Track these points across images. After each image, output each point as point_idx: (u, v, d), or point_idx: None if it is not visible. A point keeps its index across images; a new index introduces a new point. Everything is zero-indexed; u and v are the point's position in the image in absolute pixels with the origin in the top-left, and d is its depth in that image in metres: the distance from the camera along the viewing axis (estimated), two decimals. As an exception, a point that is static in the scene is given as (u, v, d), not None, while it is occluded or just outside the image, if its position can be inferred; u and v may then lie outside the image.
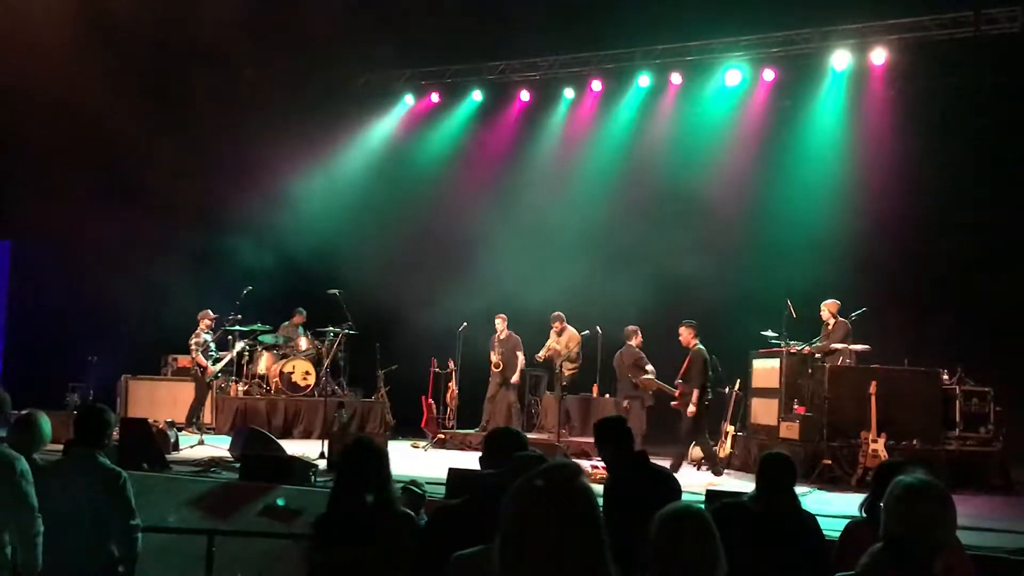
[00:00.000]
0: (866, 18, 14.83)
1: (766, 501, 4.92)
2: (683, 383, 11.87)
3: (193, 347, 14.48)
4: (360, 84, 18.30)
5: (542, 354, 14.62)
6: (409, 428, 14.96)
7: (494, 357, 14.69)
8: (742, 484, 10.43)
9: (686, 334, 11.98)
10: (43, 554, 5.09)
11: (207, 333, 14.60)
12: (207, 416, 14.94)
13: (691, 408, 11.56)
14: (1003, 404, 11.98)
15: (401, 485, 4.83)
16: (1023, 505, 10.40)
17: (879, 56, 14.89)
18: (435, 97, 18.40)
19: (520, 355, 14.68)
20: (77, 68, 13.96)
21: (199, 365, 14.41)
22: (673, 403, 12.05)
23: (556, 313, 14.53)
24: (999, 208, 13.92)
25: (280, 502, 8.89)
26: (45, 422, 5.77)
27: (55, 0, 13.99)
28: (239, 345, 14.90)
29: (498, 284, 15.37)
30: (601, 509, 2.42)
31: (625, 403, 13.09)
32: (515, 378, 14.55)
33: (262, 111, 16.57)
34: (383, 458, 4.30)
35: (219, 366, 14.60)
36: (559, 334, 14.43)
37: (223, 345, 14.89)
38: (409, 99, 18.58)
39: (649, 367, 13.06)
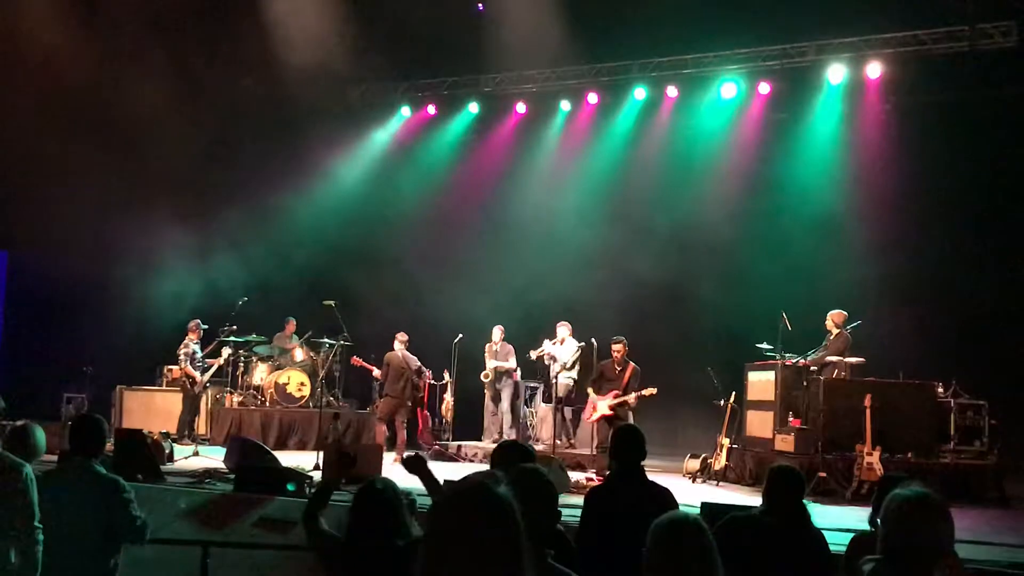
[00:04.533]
0: (861, 32, 14.89)
1: (775, 514, 4.92)
2: (622, 393, 12.85)
3: (182, 357, 14.48)
4: (357, 95, 18.32)
5: (535, 354, 14.62)
6: (405, 440, 14.93)
7: (488, 367, 14.79)
8: (737, 497, 10.44)
9: (623, 350, 12.96)
10: (44, 564, 5.09)
11: (195, 344, 14.60)
12: (201, 427, 14.94)
13: (608, 411, 12.84)
14: (998, 417, 11.98)
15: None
16: (1018, 518, 10.38)
17: (874, 70, 14.96)
18: (431, 109, 18.44)
19: (512, 359, 14.74)
20: (71, 76, 13.99)
21: (187, 376, 14.42)
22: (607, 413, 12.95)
23: (562, 322, 14.50)
24: (995, 221, 13.97)
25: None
26: (40, 434, 5.76)
27: (49, 8, 14.04)
28: (225, 352, 14.89)
29: (494, 296, 15.39)
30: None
31: (409, 404, 14.05)
32: (510, 365, 14.81)
33: (258, 121, 16.60)
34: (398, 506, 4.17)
35: (207, 376, 14.59)
36: (561, 343, 14.38)
37: (216, 355, 14.89)
38: (405, 111, 18.62)
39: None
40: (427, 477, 4.99)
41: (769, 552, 4.38)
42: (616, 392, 12.93)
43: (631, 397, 12.79)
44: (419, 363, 14.07)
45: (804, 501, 5.04)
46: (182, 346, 14.55)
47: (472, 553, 2.24)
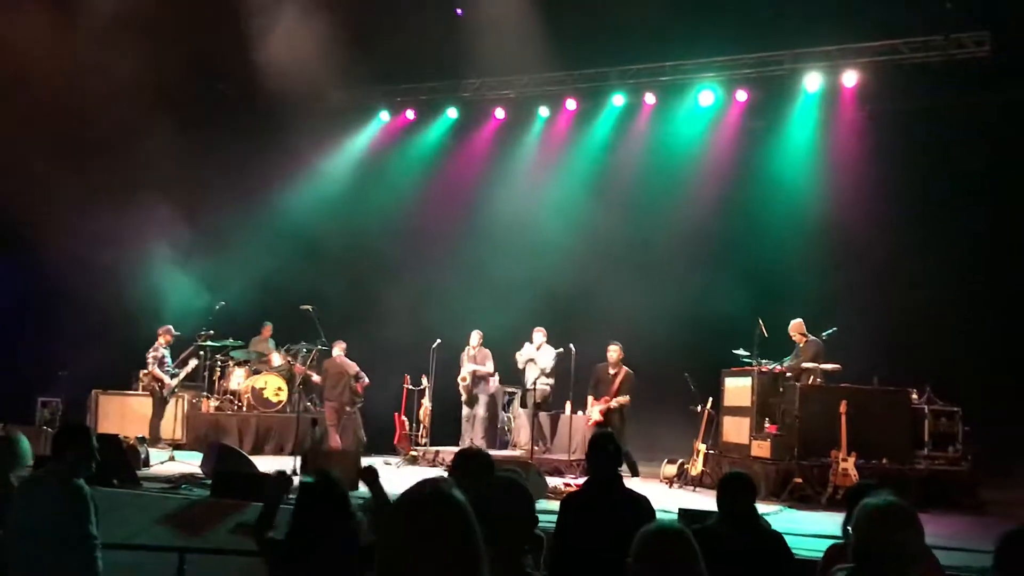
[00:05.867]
0: (838, 40, 14.98)
1: (728, 522, 4.98)
2: (613, 397, 13.00)
3: (150, 361, 14.40)
4: (335, 100, 18.26)
5: (521, 363, 14.62)
6: (382, 445, 14.91)
7: (464, 371, 14.80)
8: (713, 502, 10.47)
9: (619, 353, 13.18)
10: (9, 569, 5.05)
11: (165, 348, 14.53)
12: (177, 431, 14.83)
13: (599, 417, 12.93)
14: (971, 423, 12.09)
15: (362, 502, 4.83)
16: (992, 524, 10.41)
17: (850, 78, 15.06)
18: (410, 114, 18.41)
19: (490, 363, 14.77)
20: (51, 73, 13.89)
21: (156, 380, 14.34)
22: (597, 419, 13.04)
23: (538, 328, 14.55)
24: (969, 228, 14.08)
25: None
26: (25, 442, 5.73)
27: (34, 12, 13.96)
28: (193, 362, 14.78)
29: (472, 301, 15.39)
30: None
31: (348, 409, 14.52)
32: (488, 370, 14.87)
33: (236, 127, 16.53)
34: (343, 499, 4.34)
35: (176, 380, 14.51)
36: (537, 348, 14.45)
37: (186, 362, 14.80)
38: (384, 115, 18.59)
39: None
40: (376, 488, 5.00)
41: (726, 560, 4.42)
42: (607, 398, 12.95)
43: (613, 403, 12.85)
44: (357, 368, 14.47)
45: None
46: (151, 350, 14.48)
47: (431, 559, 2.22)
